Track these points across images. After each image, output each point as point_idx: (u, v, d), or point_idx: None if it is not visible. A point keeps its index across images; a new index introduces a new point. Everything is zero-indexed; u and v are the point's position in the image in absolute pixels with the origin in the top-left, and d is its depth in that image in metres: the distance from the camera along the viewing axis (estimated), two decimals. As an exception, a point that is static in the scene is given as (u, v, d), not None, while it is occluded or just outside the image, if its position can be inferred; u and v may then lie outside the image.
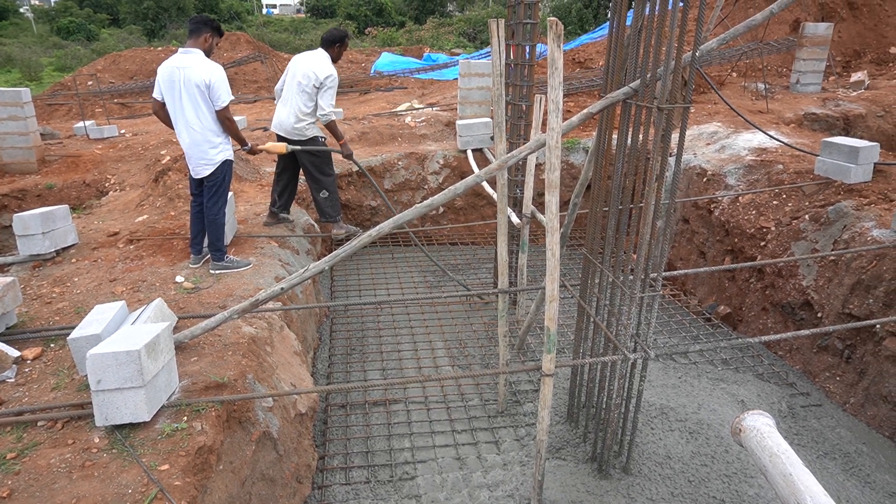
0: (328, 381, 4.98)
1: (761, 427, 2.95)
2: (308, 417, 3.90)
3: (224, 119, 4.30)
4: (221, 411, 2.87)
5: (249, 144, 4.83)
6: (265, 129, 8.62)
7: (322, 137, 5.55)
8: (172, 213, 5.76)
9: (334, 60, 5.39)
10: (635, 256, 3.17)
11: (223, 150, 4.39)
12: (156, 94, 4.33)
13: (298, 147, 5.36)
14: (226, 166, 4.45)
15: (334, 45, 5.37)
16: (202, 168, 4.38)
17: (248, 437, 3.05)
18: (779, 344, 5.35)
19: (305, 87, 5.26)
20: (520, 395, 4.79)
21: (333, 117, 5.36)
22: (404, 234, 8.04)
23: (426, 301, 6.34)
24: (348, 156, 5.67)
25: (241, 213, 5.91)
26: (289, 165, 5.65)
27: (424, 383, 4.90)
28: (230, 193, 5.14)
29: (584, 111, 3.07)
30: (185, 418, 2.75)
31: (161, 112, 4.38)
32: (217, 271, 4.53)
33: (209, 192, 4.46)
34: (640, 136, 3.08)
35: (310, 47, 22.17)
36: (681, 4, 2.77)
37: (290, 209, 5.89)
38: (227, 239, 4.92)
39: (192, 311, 3.84)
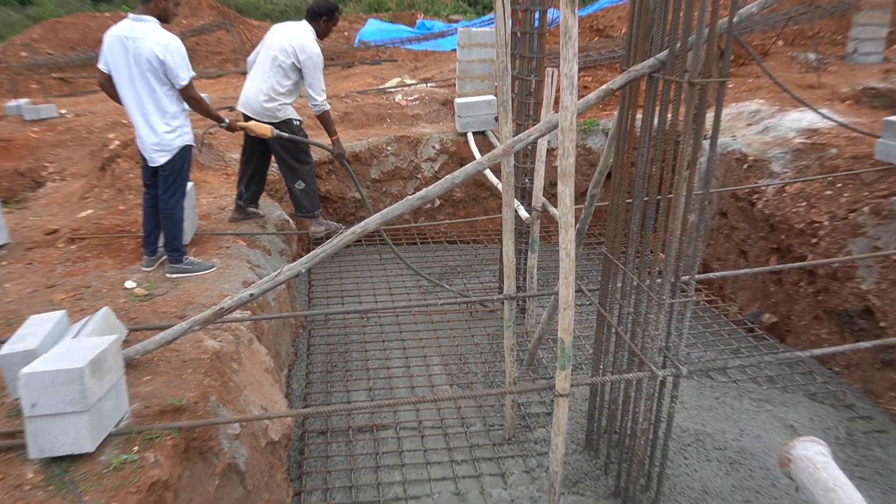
0: (305, 403, 4.98)
1: (814, 457, 2.95)
2: (281, 446, 3.90)
3: (190, 99, 4.33)
4: (179, 440, 2.87)
5: (227, 120, 4.85)
6: (231, 109, 8.61)
7: (297, 120, 5.54)
8: (122, 208, 5.75)
9: (320, 36, 5.38)
10: (664, 256, 3.17)
11: (181, 133, 4.39)
12: (101, 65, 4.32)
13: (286, 134, 5.32)
14: (184, 153, 4.45)
15: (320, 19, 5.35)
16: (157, 155, 4.38)
17: (210, 470, 3.04)
18: (834, 358, 5.35)
19: (282, 62, 5.24)
20: (530, 418, 4.79)
21: (327, 107, 5.35)
22: (394, 232, 8.03)
23: (420, 309, 6.34)
24: (340, 156, 5.65)
25: (204, 207, 5.90)
26: (257, 150, 5.63)
27: (418, 406, 4.90)
28: (190, 184, 5.12)
29: (604, 87, 3.07)
30: (137, 448, 2.74)
31: (108, 85, 4.37)
32: (174, 275, 4.53)
33: (165, 183, 4.46)
34: (669, 115, 3.08)
35: (283, 13, 22.16)
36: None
37: (258, 202, 5.88)
38: (187, 237, 4.90)
39: (144, 322, 3.83)
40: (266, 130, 5.22)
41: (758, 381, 5.14)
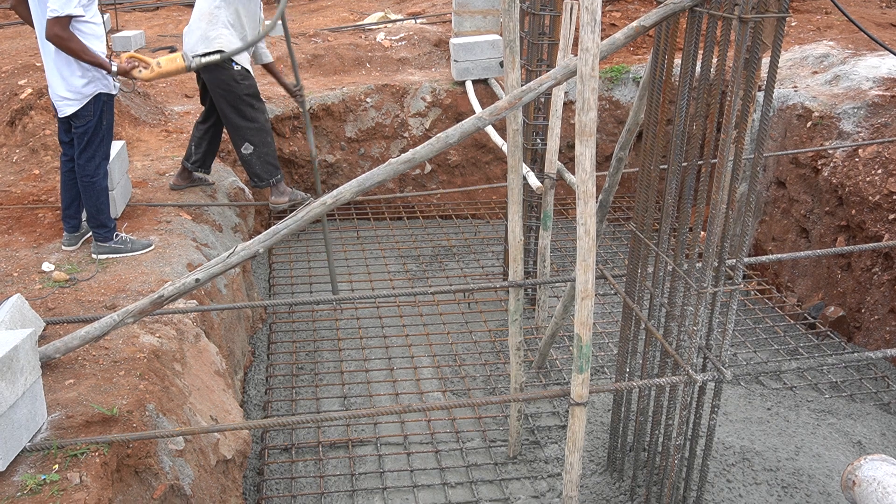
0: (265, 413, 5.00)
1: (884, 479, 2.99)
2: (236, 465, 3.92)
3: (52, 36, 4.07)
4: (109, 457, 2.88)
5: (115, 65, 4.42)
6: (172, 49, 8.54)
7: (238, 65, 5.36)
8: (37, 172, 5.72)
9: None
10: (706, 235, 3.18)
11: (93, 79, 4.32)
12: None
13: (206, 58, 4.93)
14: (100, 103, 4.38)
15: None
16: (63, 104, 4.32)
17: (147, 494, 3.06)
18: (911, 361, 5.39)
19: None
20: (539, 432, 4.83)
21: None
22: (375, 204, 8.02)
23: (406, 299, 6.36)
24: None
25: (139, 172, 5.88)
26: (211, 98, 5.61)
27: (404, 417, 4.93)
28: (121, 143, 5.10)
29: (634, 24, 3.06)
30: (57, 467, 2.75)
31: (21, 8, 4.30)
32: (103, 255, 4.52)
33: (80, 142, 4.42)
34: (715, 60, 3.07)
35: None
36: None
37: (210, 166, 5.86)
38: (117, 210, 4.89)
39: (66, 313, 3.83)
40: (174, 64, 4.65)
41: (819, 389, 5.18)
